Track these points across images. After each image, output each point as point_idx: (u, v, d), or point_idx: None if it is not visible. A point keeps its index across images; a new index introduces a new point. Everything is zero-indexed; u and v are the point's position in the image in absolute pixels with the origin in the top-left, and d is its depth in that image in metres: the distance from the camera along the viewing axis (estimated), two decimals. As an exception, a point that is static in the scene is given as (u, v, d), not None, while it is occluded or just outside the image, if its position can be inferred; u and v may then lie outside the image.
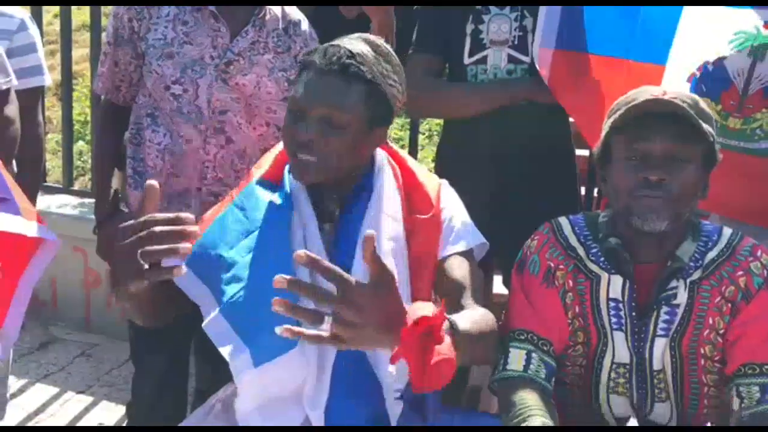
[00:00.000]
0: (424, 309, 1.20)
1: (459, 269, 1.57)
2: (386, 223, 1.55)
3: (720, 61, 1.87)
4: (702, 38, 1.89)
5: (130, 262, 1.22)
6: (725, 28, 1.87)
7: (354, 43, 1.53)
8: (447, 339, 1.21)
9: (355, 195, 1.57)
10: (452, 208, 1.63)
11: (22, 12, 2.57)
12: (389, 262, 1.49)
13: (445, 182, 1.68)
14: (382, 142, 1.60)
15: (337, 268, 1.16)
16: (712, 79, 1.88)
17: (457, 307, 1.50)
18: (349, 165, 1.53)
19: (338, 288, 1.15)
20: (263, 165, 1.65)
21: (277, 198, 1.56)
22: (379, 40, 1.57)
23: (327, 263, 1.16)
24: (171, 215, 1.22)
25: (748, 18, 1.85)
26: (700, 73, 1.90)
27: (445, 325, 1.25)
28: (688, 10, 1.91)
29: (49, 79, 2.69)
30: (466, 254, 1.60)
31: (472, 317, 1.43)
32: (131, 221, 1.23)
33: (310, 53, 1.54)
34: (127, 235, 1.23)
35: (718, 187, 1.60)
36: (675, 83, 1.90)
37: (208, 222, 1.57)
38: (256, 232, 1.53)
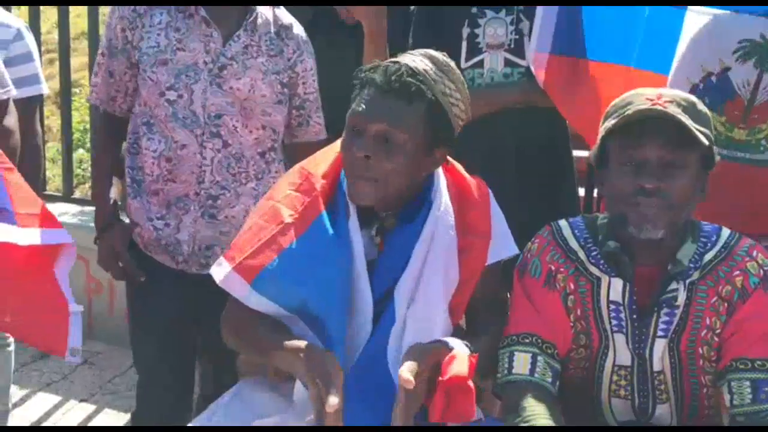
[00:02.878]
0: (462, 364, 1.37)
1: (485, 283, 1.61)
2: (443, 238, 1.56)
3: (724, 73, 1.84)
4: (705, 48, 1.85)
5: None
6: (729, 37, 1.83)
7: (416, 60, 1.52)
8: (471, 383, 1.37)
9: (412, 209, 1.57)
10: (496, 221, 1.64)
11: (19, 21, 2.58)
12: (446, 287, 1.56)
13: (488, 190, 1.68)
14: (440, 164, 1.59)
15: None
16: (716, 90, 1.85)
17: (471, 321, 1.56)
18: (407, 186, 1.53)
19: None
20: (317, 179, 1.61)
21: (336, 207, 1.57)
22: (442, 56, 1.56)
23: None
24: None
25: (752, 26, 1.81)
26: (703, 84, 1.86)
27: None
28: (691, 17, 1.87)
29: (47, 88, 2.70)
30: (499, 265, 1.65)
31: (483, 345, 1.53)
32: None
33: (371, 70, 1.53)
34: None
35: (724, 199, 1.59)
36: None
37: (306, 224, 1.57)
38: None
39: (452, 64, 1.56)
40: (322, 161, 1.64)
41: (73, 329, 1.80)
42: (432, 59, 1.53)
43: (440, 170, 1.62)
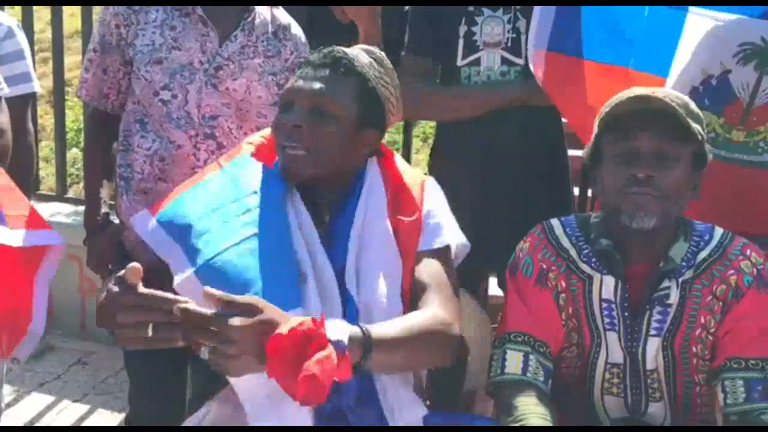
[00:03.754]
0: (287, 326, 1.21)
1: (426, 268, 1.54)
2: (375, 223, 1.54)
3: (724, 75, 1.83)
4: (705, 50, 1.84)
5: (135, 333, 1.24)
6: (730, 40, 1.82)
7: (351, 48, 1.57)
8: (324, 353, 1.19)
9: (345, 199, 1.56)
10: (433, 206, 1.61)
11: (10, 19, 2.56)
12: (383, 260, 1.51)
13: (430, 180, 1.67)
14: (374, 146, 1.59)
15: (210, 312, 1.20)
16: (715, 93, 1.84)
17: (415, 307, 1.48)
18: (339, 163, 1.53)
19: (214, 325, 1.20)
20: (254, 141, 1.66)
21: (273, 180, 1.55)
22: (376, 50, 1.60)
23: (200, 310, 1.20)
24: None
25: (753, 29, 1.80)
26: (703, 87, 1.85)
27: (344, 335, 1.24)
28: (691, 19, 1.86)
29: (38, 86, 2.68)
30: (440, 252, 1.57)
31: (403, 323, 1.40)
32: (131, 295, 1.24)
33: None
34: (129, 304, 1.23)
35: (723, 199, 1.59)
36: None
37: (185, 186, 1.59)
38: (252, 205, 1.52)
39: (384, 56, 1.61)
40: (256, 139, 1.67)
41: (25, 344, 1.81)
42: (365, 50, 1.59)
43: (373, 161, 1.61)
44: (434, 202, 1.62)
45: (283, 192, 1.54)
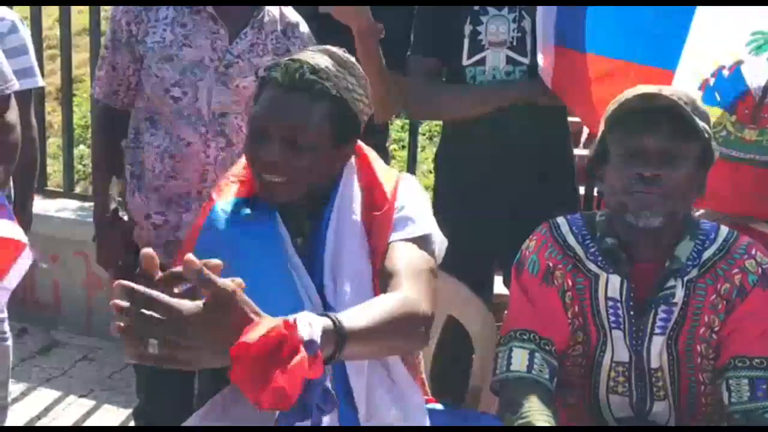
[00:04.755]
0: (257, 332, 1.05)
1: (395, 254, 1.48)
2: (348, 225, 1.52)
3: (736, 67, 1.80)
4: (716, 40, 1.81)
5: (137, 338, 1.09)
6: (741, 29, 1.79)
7: (316, 57, 1.49)
8: (296, 361, 1.07)
9: (322, 207, 1.54)
10: (406, 199, 1.57)
11: (13, 14, 2.57)
12: (354, 261, 1.48)
13: (406, 176, 1.64)
14: (349, 156, 1.58)
15: (162, 298, 1.04)
16: (727, 86, 1.81)
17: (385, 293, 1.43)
18: (317, 182, 1.51)
19: (164, 313, 1.04)
20: (238, 175, 1.62)
21: (255, 214, 1.55)
22: (342, 52, 1.54)
23: (150, 292, 1.04)
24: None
25: (766, 17, 1.77)
26: (714, 79, 1.82)
27: (316, 332, 1.12)
28: (701, 11, 1.83)
29: (42, 80, 2.69)
30: (415, 242, 1.52)
31: (373, 309, 1.30)
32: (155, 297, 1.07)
33: (270, 69, 1.50)
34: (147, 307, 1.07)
35: (736, 200, 1.57)
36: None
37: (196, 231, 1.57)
38: (247, 250, 1.50)
39: (352, 59, 1.55)
40: (236, 173, 1.64)
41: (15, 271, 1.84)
42: (332, 55, 1.51)
43: (350, 162, 1.59)
44: (409, 197, 1.58)
45: (268, 218, 1.54)
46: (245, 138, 1.56)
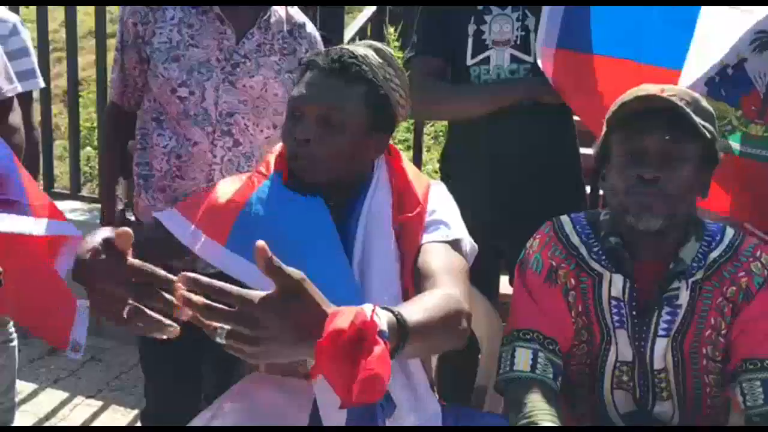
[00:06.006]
0: (345, 318, 1.02)
1: (431, 256, 1.48)
2: (378, 222, 1.53)
3: (741, 64, 1.81)
4: (721, 40, 1.82)
5: (113, 304, 1.14)
6: (746, 29, 1.81)
7: (358, 47, 1.53)
8: (379, 348, 1.03)
9: (353, 200, 1.55)
10: (438, 204, 1.59)
11: (14, 16, 2.58)
12: (383, 261, 1.49)
13: (435, 182, 1.66)
14: (381, 150, 1.59)
15: (234, 288, 1.02)
16: (731, 82, 1.82)
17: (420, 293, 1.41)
18: (348, 168, 1.52)
19: (236, 304, 1.02)
20: (276, 151, 1.64)
21: (298, 196, 1.54)
22: (384, 47, 1.57)
23: (220, 284, 1.03)
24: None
25: None
26: (719, 77, 1.83)
27: (385, 324, 1.07)
28: (706, 11, 1.85)
29: (42, 82, 2.70)
30: (447, 243, 1.52)
31: (424, 304, 1.27)
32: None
33: (313, 55, 1.54)
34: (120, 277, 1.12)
35: (742, 198, 1.56)
36: (692, 88, 1.85)
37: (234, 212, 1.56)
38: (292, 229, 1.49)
39: (392, 54, 1.58)
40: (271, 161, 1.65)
41: (79, 324, 1.81)
42: (373, 47, 1.55)
43: (381, 160, 1.60)
44: (441, 202, 1.60)
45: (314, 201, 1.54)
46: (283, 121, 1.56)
